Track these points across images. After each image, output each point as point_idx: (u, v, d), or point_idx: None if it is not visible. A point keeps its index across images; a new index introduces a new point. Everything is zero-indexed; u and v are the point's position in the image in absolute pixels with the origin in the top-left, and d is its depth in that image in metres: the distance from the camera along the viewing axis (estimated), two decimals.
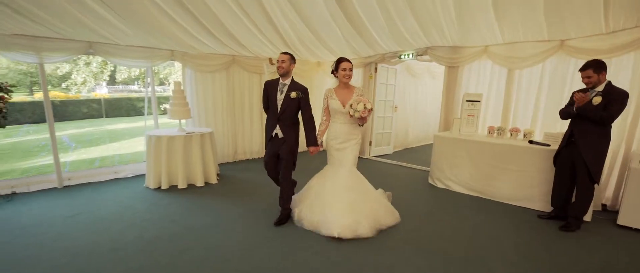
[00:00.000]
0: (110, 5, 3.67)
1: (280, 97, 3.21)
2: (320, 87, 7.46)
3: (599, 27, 3.63)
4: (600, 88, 3.07)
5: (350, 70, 3.22)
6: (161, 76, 21.34)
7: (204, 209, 3.82)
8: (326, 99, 3.30)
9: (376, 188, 3.65)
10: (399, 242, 3.02)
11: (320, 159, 4.25)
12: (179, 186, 4.59)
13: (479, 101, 4.69)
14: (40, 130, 12.69)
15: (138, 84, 25.68)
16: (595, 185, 3.22)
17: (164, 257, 2.70)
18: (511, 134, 4.38)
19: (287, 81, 3.24)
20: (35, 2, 3.43)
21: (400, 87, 7.49)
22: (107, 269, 2.53)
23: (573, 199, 3.42)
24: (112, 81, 22.08)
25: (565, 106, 3.36)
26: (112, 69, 17.50)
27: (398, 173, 5.68)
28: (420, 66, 7.69)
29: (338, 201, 3.10)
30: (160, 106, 13.03)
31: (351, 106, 3.03)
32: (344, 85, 3.26)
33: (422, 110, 8.31)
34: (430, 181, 4.98)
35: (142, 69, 14.17)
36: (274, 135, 3.28)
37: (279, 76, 3.27)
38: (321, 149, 3.40)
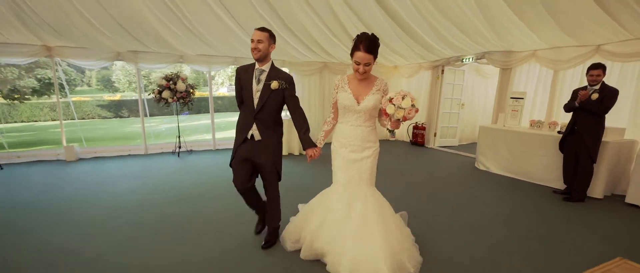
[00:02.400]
0: (247, 30, 5.91)
1: (257, 88, 2.44)
2: (396, 89, 8.83)
3: (623, 33, 4.20)
4: (597, 86, 3.83)
5: (368, 65, 2.24)
6: None
7: (297, 165, 5.80)
8: (335, 89, 2.44)
9: (427, 169, 4.28)
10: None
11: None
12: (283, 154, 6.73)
13: (523, 98, 5.47)
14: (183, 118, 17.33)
15: None
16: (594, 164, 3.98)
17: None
18: (549, 127, 5.09)
19: (266, 67, 2.45)
20: (211, 34, 5.87)
21: (469, 86, 8.30)
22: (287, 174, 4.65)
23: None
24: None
25: (568, 101, 4.13)
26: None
27: (451, 159, 6.73)
28: (491, 68, 8.30)
29: (354, 237, 2.28)
30: None
31: (391, 100, 2.14)
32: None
33: (491, 107, 8.80)
34: (475, 165, 5.95)
35: None
36: (249, 137, 2.51)
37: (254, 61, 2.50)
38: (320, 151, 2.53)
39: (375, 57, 2.27)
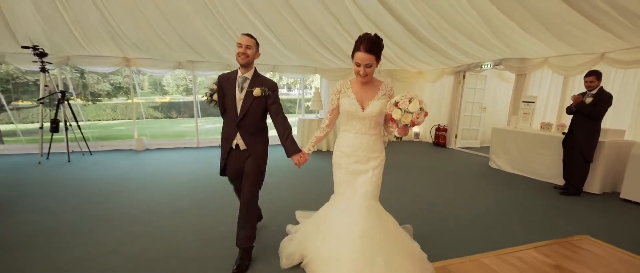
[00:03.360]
0: (286, 45, 6.90)
1: (239, 96, 2.40)
2: (420, 95, 9.41)
3: (621, 43, 4.57)
4: (593, 91, 4.26)
5: (369, 66, 2.08)
6: (306, 83, 26.90)
7: (323, 160, 6.64)
8: (337, 94, 2.31)
9: (443, 167, 4.77)
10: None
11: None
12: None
13: (534, 102, 5.89)
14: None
15: (286, 88, 32.28)
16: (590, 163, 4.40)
17: (305, 173, 5.58)
18: (558, 129, 5.48)
19: (249, 74, 2.41)
20: None
21: (491, 90, 8.67)
22: (291, 173, 5.57)
23: None
24: None
25: (569, 105, 4.56)
26: (279, 78, 23.73)
27: (468, 158, 7.21)
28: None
29: (354, 254, 2.12)
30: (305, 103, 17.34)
31: (397, 104, 1.95)
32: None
33: None
34: (489, 164, 6.42)
35: (295, 79, 19.04)
36: (234, 146, 2.49)
37: (238, 68, 2.44)
38: (307, 157, 2.44)
39: (377, 58, 2.09)
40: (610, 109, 4.73)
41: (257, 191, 2.55)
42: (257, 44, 2.44)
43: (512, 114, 6.54)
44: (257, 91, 2.36)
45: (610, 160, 4.53)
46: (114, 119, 21.64)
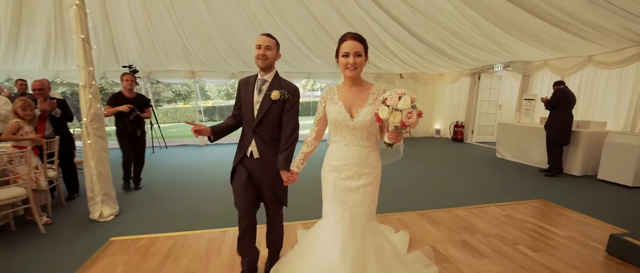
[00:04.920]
0: (318, 55, 8.27)
1: (257, 99, 2.21)
2: (441, 98, 10.37)
3: (603, 48, 5.36)
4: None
5: (358, 55, 1.84)
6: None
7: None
8: (322, 102, 2.04)
9: (455, 157, 5.87)
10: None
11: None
12: None
13: (534, 99, 6.72)
14: None
15: (321, 91, 34.01)
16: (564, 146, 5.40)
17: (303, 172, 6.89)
18: None
19: (268, 77, 2.22)
20: (293, 57, 8.37)
21: (507, 90, 9.43)
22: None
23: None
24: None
25: None
26: (314, 83, 25.49)
27: (480, 151, 8.11)
28: None
29: None
30: None
31: (385, 101, 1.66)
32: (352, 81, 1.94)
33: None
34: (496, 154, 7.31)
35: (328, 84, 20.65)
36: (248, 154, 2.26)
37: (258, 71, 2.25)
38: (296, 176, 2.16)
39: (366, 50, 1.89)
40: (597, 104, 5.59)
41: (282, 213, 2.44)
42: (278, 45, 2.23)
43: (517, 110, 7.37)
44: (275, 94, 2.15)
45: (590, 147, 5.35)
46: (164, 123, 24.57)
